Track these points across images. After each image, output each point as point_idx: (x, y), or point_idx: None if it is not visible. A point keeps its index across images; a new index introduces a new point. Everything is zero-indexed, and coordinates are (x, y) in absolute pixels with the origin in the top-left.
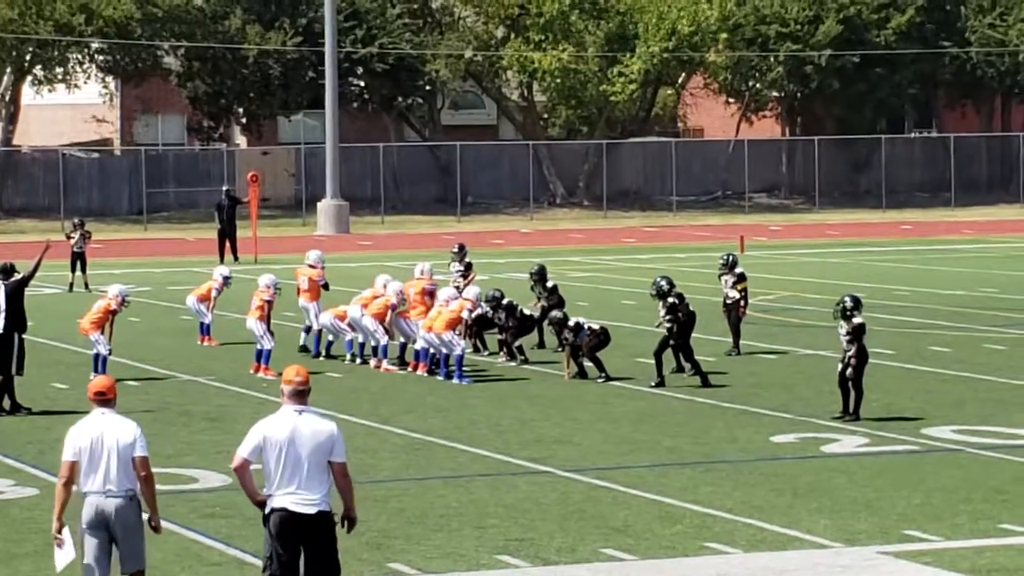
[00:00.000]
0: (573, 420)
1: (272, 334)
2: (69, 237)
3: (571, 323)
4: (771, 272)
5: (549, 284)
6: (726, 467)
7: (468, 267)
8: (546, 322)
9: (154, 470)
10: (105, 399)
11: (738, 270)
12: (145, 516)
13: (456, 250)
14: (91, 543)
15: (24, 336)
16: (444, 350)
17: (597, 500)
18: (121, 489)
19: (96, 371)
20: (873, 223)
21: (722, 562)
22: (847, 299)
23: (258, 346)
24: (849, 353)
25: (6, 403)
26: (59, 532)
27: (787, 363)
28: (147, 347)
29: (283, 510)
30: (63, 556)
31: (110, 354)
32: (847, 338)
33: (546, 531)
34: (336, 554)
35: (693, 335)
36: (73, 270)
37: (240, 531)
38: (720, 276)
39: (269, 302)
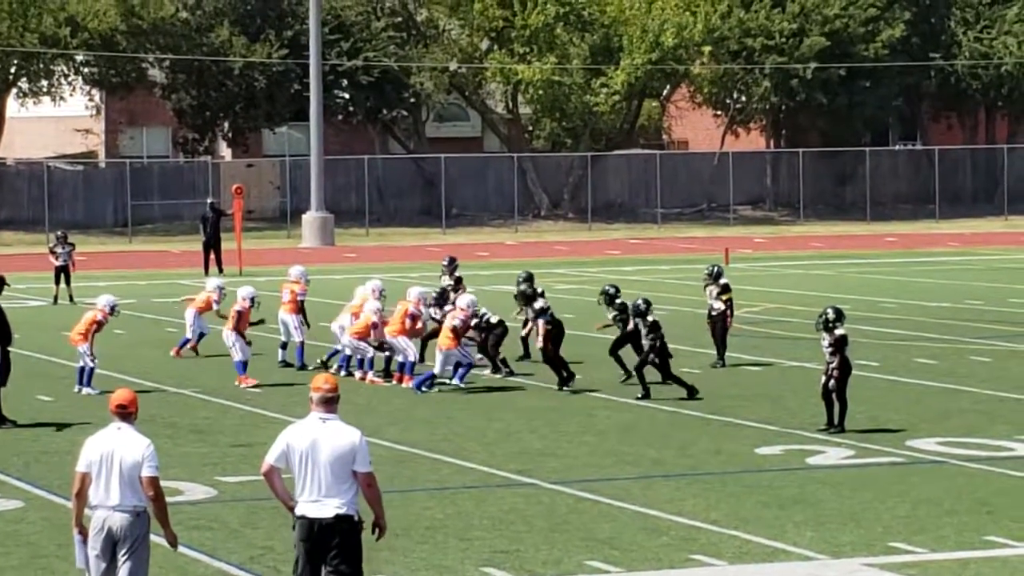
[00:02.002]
0: (559, 432)
1: (249, 343)
2: (52, 251)
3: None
4: (756, 284)
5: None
6: (711, 479)
7: (458, 281)
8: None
9: None
10: (126, 412)
11: (723, 281)
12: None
13: (447, 263)
14: (94, 557)
15: (9, 348)
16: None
17: (583, 512)
18: (128, 506)
19: (80, 383)
20: (858, 235)
21: (708, 574)
22: (829, 311)
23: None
24: (832, 365)
25: None
26: (80, 533)
27: (772, 375)
28: (132, 359)
29: (303, 516)
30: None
31: (95, 366)
32: (829, 350)
33: (532, 543)
34: (358, 560)
35: (676, 347)
36: (57, 283)
37: (225, 543)
38: (705, 287)
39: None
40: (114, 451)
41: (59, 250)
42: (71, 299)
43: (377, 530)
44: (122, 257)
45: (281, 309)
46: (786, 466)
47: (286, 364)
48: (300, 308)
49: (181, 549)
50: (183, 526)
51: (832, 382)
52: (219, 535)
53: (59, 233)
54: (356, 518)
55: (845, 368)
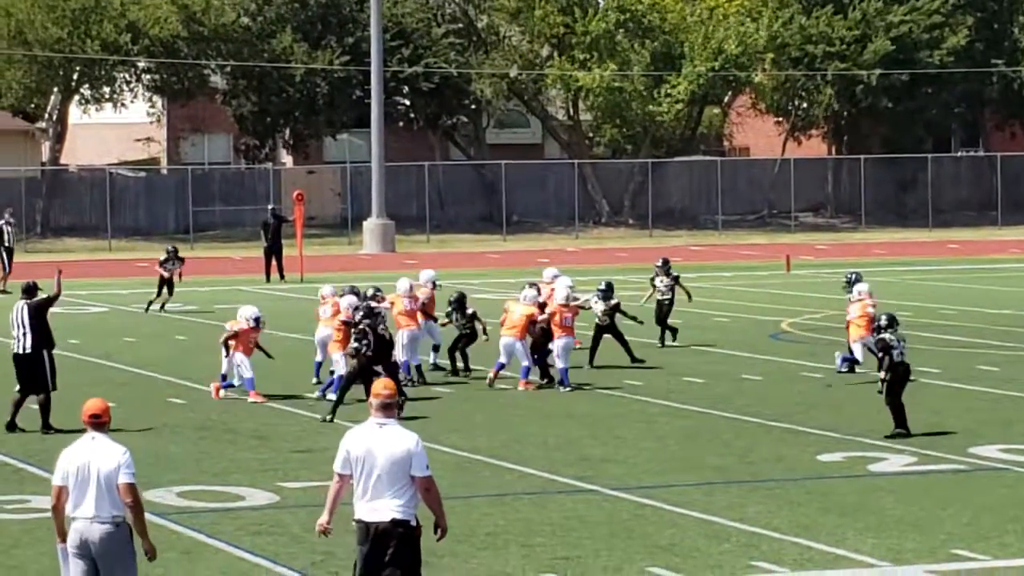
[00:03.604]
0: (619, 438)
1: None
2: (162, 264)
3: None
4: (817, 291)
5: (469, 311)
6: (773, 486)
7: (676, 280)
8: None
9: (201, 488)
10: (100, 422)
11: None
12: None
13: (660, 264)
14: (76, 569)
15: (53, 353)
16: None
17: (643, 518)
18: (106, 516)
19: (251, 388)
20: (919, 242)
21: None
22: (882, 317)
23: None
24: (884, 367)
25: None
26: (64, 543)
27: (833, 382)
28: (193, 365)
29: (360, 520)
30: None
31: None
32: (880, 355)
33: (593, 549)
34: (417, 564)
35: (734, 353)
36: (159, 293)
37: (287, 548)
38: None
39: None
40: (90, 461)
41: (169, 265)
42: (162, 307)
43: (439, 531)
44: (184, 263)
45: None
46: (847, 473)
47: (437, 367)
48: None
49: (243, 554)
50: (245, 531)
51: (886, 385)
52: (281, 540)
53: (170, 248)
54: (413, 523)
55: (897, 370)
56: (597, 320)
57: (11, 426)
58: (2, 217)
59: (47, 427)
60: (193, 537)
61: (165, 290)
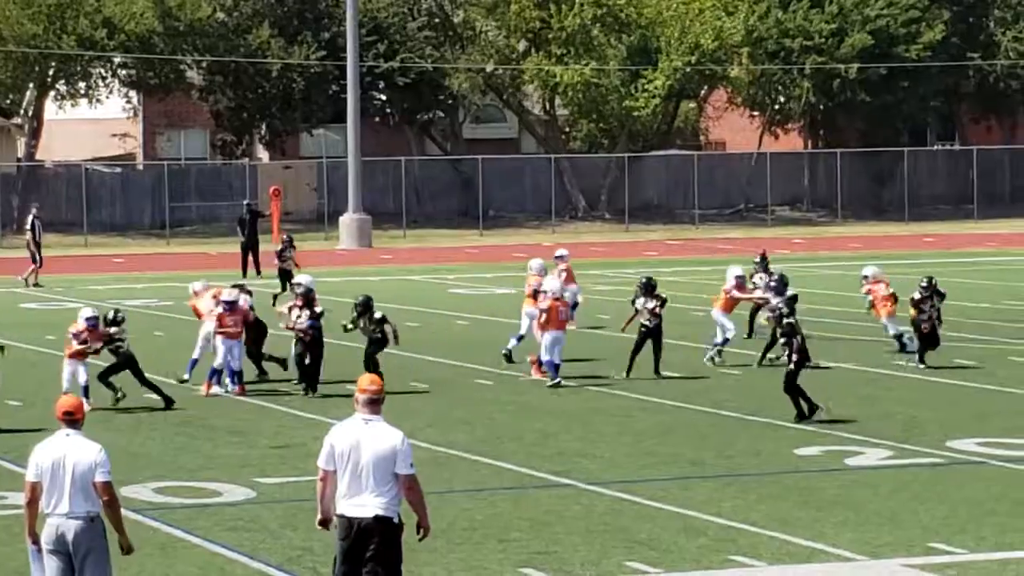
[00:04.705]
0: (596, 433)
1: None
2: (280, 255)
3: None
4: (794, 285)
5: (377, 315)
6: (750, 480)
7: (781, 279)
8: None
9: (179, 484)
10: (73, 419)
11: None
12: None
13: (759, 260)
14: (51, 566)
15: None
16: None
17: (621, 513)
18: (81, 512)
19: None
20: (896, 236)
21: (747, 575)
22: (778, 303)
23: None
24: (786, 354)
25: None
26: (35, 543)
27: (810, 376)
28: (171, 361)
29: (343, 515)
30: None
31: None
32: (783, 340)
33: (570, 544)
34: (397, 561)
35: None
36: (284, 287)
37: (264, 544)
38: (636, 299)
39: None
40: (65, 457)
41: (287, 254)
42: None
43: (421, 531)
44: (160, 259)
45: (525, 304)
46: (825, 467)
47: (509, 358)
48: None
49: (220, 549)
50: (221, 527)
51: (791, 369)
52: (258, 536)
53: (284, 237)
54: (396, 520)
55: (802, 356)
56: (645, 322)
57: None
58: (30, 212)
59: None
60: (170, 533)
61: (286, 280)
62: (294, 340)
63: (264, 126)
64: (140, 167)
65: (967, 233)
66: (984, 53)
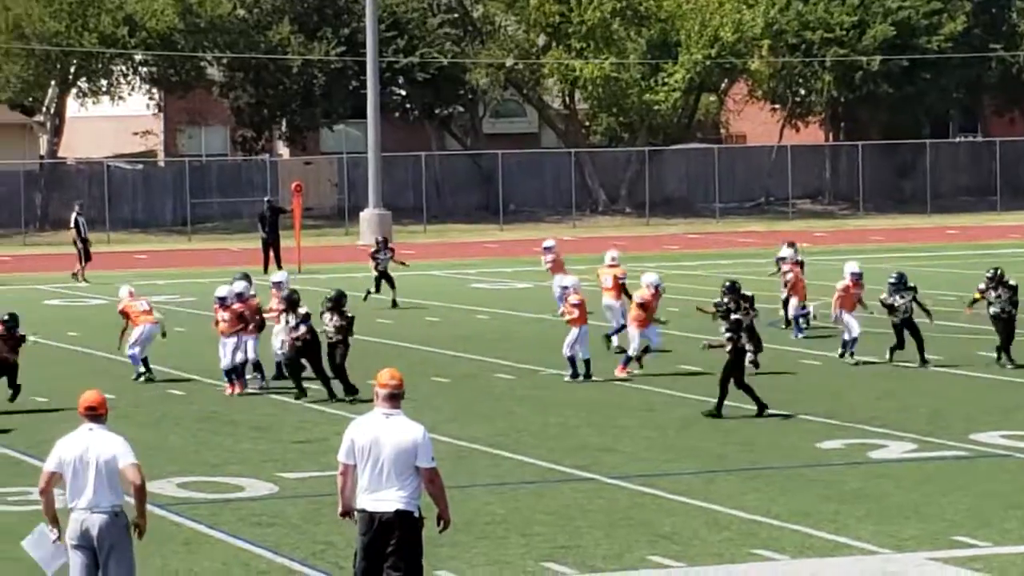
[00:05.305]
0: (618, 427)
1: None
2: (374, 257)
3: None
4: (816, 278)
5: (349, 314)
6: (773, 473)
7: (800, 265)
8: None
9: (202, 479)
10: (96, 414)
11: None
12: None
13: (788, 246)
14: (76, 561)
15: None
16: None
17: (643, 507)
18: (105, 505)
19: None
20: (918, 228)
21: (769, 568)
22: (724, 300)
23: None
24: (726, 350)
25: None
26: (53, 523)
27: (833, 369)
28: (193, 356)
29: (363, 510)
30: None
31: None
32: (727, 335)
33: (592, 538)
34: (418, 555)
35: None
36: (378, 288)
37: (287, 538)
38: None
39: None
40: (88, 450)
41: (380, 256)
42: (395, 303)
43: (441, 523)
44: (181, 255)
45: (605, 295)
46: (848, 460)
47: (621, 350)
48: (623, 291)
49: (243, 544)
50: (245, 522)
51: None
52: (281, 531)
53: (379, 238)
54: (417, 514)
55: (739, 355)
56: (894, 319)
57: None
58: (74, 209)
59: None
60: (193, 528)
61: (385, 283)
62: (286, 346)
63: (284, 122)
64: (161, 164)
65: (990, 225)
66: (1007, 44)
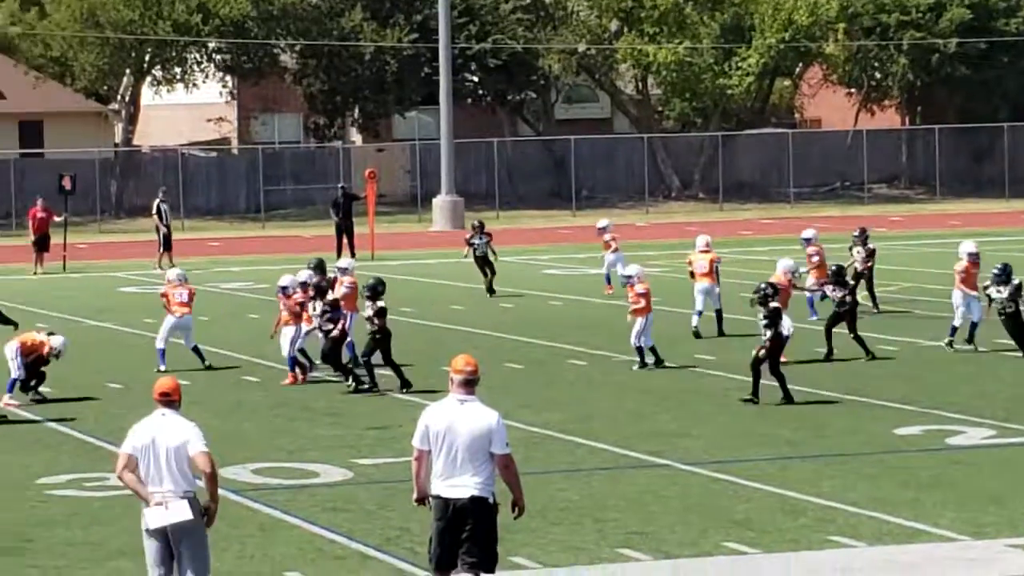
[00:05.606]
0: (692, 413)
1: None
2: (469, 243)
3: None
4: (893, 263)
5: (380, 303)
6: (849, 460)
7: (871, 253)
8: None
9: (276, 465)
10: (169, 400)
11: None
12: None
13: (857, 234)
14: (151, 548)
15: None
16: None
17: (717, 493)
18: (177, 492)
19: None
20: (996, 212)
21: (846, 555)
22: (763, 285)
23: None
24: (765, 338)
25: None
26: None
27: (910, 354)
28: (268, 343)
29: (438, 496)
30: (164, 515)
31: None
32: (764, 323)
33: (667, 524)
34: (493, 541)
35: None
36: (484, 273)
37: (361, 525)
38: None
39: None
40: (159, 437)
41: (476, 240)
42: (491, 290)
43: (516, 509)
44: (255, 242)
45: (701, 280)
46: (925, 447)
47: (697, 335)
48: (716, 277)
49: (318, 531)
50: (320, 508)
51: (762, 352)
52: (356, 517)
53: (476, 223)
54: (491, 500)
55: (777, 341)
56: (1002, 313)
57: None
58: (157, 196)
59: None
60: (269, 514)
61: (488, 270)
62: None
63: (357, 109)
64: (235, 151)
65: None
66: None
